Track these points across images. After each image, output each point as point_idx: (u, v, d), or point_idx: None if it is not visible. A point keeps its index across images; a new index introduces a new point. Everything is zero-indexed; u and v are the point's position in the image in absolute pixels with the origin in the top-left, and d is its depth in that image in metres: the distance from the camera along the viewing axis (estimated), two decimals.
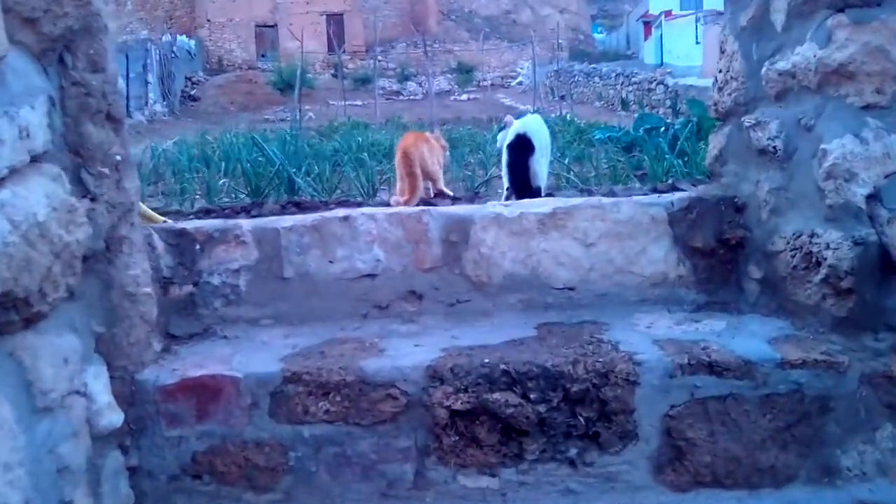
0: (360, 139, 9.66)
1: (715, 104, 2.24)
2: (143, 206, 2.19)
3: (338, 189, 5.44)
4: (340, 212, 2.02)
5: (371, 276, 1.95)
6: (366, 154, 8.23)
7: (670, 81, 17.31)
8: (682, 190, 4.77)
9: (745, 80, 2.05)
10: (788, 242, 1.82)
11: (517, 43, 39.66)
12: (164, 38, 30.76)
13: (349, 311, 1.94)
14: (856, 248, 1.62)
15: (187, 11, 41.61)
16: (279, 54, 37.26)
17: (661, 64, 31.79)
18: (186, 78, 33.77)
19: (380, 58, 38.13)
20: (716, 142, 2.24)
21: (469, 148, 10.22)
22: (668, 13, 34.11)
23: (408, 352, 1.68)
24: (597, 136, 6.91)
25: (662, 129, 6.65)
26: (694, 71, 23.51)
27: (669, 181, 5.18)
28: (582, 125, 13.04)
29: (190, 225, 1.96)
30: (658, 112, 17.26)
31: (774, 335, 1.75)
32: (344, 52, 38.82)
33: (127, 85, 22.80)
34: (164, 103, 26.55)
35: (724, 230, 2.04)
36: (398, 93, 34.94)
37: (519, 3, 49.28)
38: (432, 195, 4.68)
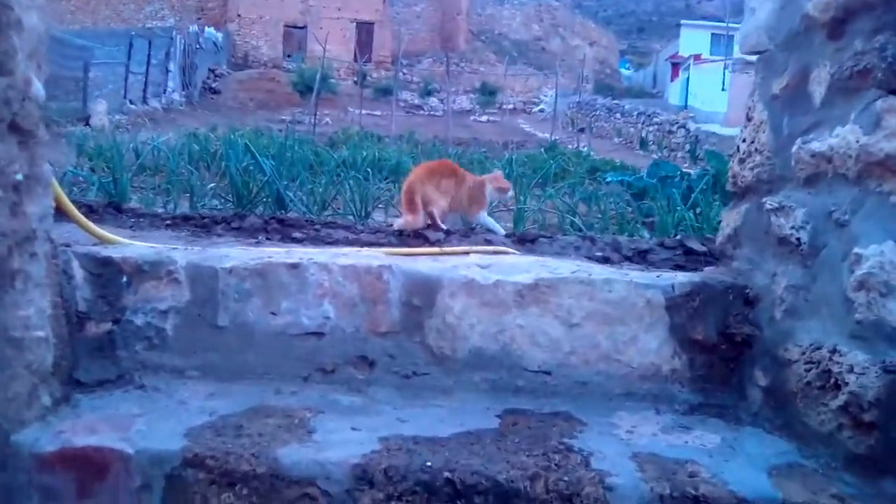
0: (367, 153, 9.41)
1: (734, 177, 1.98)
2: (92, 226, 1.93)
3: (331, 207, 5.19)
4: (293, 256, 1.76)
5: (318, 334, 1.69)
6: (370, 170, 7.99)
7: (692, 126, 17.08)
8: (690, 248, 4.52)
9: (771, 155, 1.79)
10: (804, 353, 1.55)
11: (543, 71, 39.55)
12: (191, 28, 30.73)
13: (288, 372, 1.68)
14: (885, 376, 1.36)
15: (219, 4, 41.71)
16: (305, 56, 37.25)
17: (686, 106, 31.60)
18: (210, 70, 33.77)
19: (405, 70, 38.13)
20: (730, 219, 1.98)
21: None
22: (697, 57, 33.96)
23: (341, 437, 1.42)
24: (608, 179, 6.66)
25: (677, 177, 6.39)
26: (717, 118, 23.31)
27: (678, 236, 4.93)
28: (596, 161, 12.82)
29: (117, 253, 1.70)
30: (676, 156, 17.03)
31: (776, 462, 1.48)
32: (369, 60, 38.83)
33: (147, 72, 22.75)
34: (183, 93, 26.45)
35: (729, 324, 1.77)
36: (419, 107, 34.88)
37: (550, 31, 49.31)
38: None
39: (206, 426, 1.43)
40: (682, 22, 41.95)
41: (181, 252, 1.75)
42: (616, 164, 12.25)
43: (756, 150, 1.86)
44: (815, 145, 1.60)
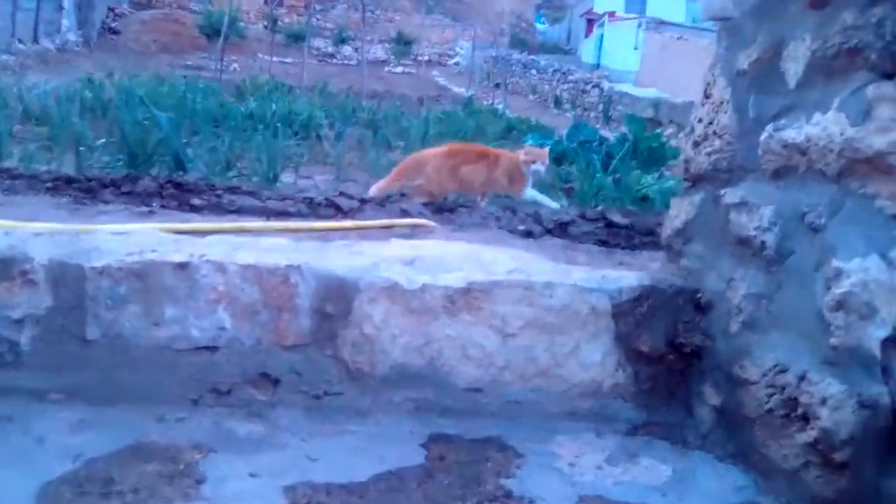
0: (277, 106, 8.92)
1: (686, 161, 1.79)
2: None
3: (236, 167, 4.82)
4: (182, 251, 1.47)
5: (211, 348, 1.42)
6: (279, 125, 7.55)
7: (606, 86, 17.06)
8: (611, 221, 4.38)
9: (733, 140, 1.60)
10: (765, 375, 1.38)
11: (460, 22, 38.98)
12: None
13: (174, 394, 1.41)
14: (862, 411, 1.19)
15: None
16: None
17: (599, 64, 31.73)
18: (109, 8, 31.84)
19: (318, 17, 36.91)
20: (680, 209, 1.79)
21: (394, 130, 9.66)
22: (612, 14, 34.03)
23: (236, 489, 1.17)
24: (529, 142, 6.47)
25: (596, 142, 6.26)
26: (630, 77, 23.45)
27: (599, 207, 4.78)
28: (512, 119, 12.63)
29: None
30: (590, 116, 17.03)
31: (733, 501, 1.31)
32: (281, 4, 37.40)
33: (38, 9, 21.20)
34: (80, 33, 24.85)
35: (678, 332, 1.59)
36: (332, 55, 33.92)
37: None
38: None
39: (67, 479, 1.15)
40: None
41: (41, 243, 1.44)
42: (532, 124, 12.08)
43: (715, 133, 1.66)
44: (790, 134, 1.41)
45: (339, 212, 3.90)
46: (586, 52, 38.15)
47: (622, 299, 1.56)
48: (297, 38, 30.22)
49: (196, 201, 3.75)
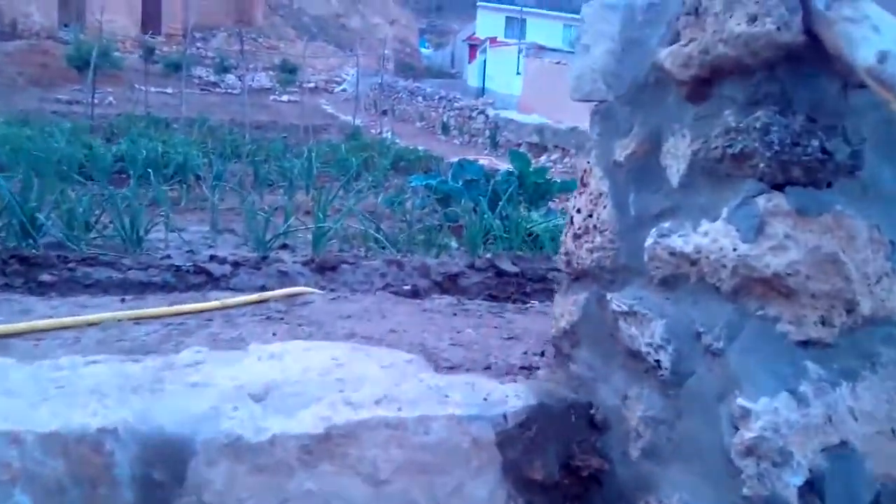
0: (150, 146, 8.44)
1: (566, 254, 1.63)
2: None
3: (97, 228, 4.43)
4: None
5: None
6: (151, 170, 7.12)
7: (491, 112, 17.22)
8: (501, 271, 4.25)
9: (615, 237, 1.45)
10: None
11: (344, 50, 38.81)
12: None
13: None
14: None
15: None
16: (84, 26, 34.04)
17: (484, 87, 32.21)
18: None
19: (198, 45, 35.94)
20: (564, 309, 1.63)
21: (278, 168, 9.32)
22: (493, 39, 34.67)
23: None
24: (413, 183, 6.31)
25: (482, 180, 6.16)
26: (513, 100, 23.85)
27: (488, 254, 4.65)
28: (400, 149, 12.50)
29: None
30: (477, 142, 17.13)
31: None
32: (158, 32, 36.26)
33: None
34: None
35: (573, 453, 1.42)
36: (215, 84, 33.08)
37: (350, 7, 48.52)
38: None
39: None
40: (479, 3, 42.65)
41: None
42: (420, 154, 11.99)
43: (595, 227, 1.51)
44: (676, 242, 1.26)
45: (210, 278, 3.60)
46: (471, 76, 38.77)
47: (508, 426, 1.38)
48: (176, 68, 29.32)
49: (46, 277, 3.37)
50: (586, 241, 1.53)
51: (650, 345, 1.31)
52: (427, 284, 4.05)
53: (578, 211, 1.58)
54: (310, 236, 4.93)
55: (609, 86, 1.47)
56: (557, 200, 7.20)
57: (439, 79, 36.16)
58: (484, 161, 13.47)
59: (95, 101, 17.35)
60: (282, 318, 2.58)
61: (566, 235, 1.63)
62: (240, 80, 30.75)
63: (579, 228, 1.57)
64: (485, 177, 6.37)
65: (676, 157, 1.29)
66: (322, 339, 2.16)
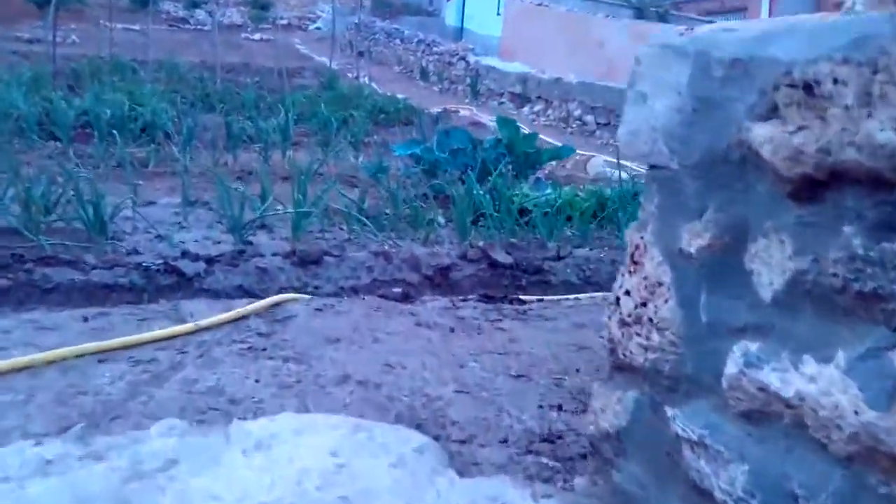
0: (115, 99, 7.97)
1: (611, 342, 1.38)
2: None
3: (56, 210, 4.08)
4: None
5: None
6: (115, 131, 6.70)
7: (472, 59, 16.71)
8: (495, 262, 3.98)
9: (678, 342, 1.20)
10: None
11: None
12: None
13: None
14: None
15: None
16: None
17: (462, 27, 31.38)
18: None
19: None
20: (606, 403, 1.38)
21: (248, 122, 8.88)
22: None
23: None
24: (397, 153, 5.99)
25: (469, 149, 5.85)
26: (493, 42, 23.23)
27: (480, 241, 4.38)
28: (379, 100, 12.06)
29: None
30: (457, 89, 16.66)
31: None
32: None
33: None
34: None
35: None
36: (184, 20, 31.96)
37: None
38: None
39: None
40: None
41: None
42: (400, 105, 11.57)
43: (650, 320, 1.26)
44: (770, 379, 1.02)
45: (182, 279, 3.31)
46: (449, 14, 37.81)
47: None
48: (143, 3, 28.22)
49: (0, 282, 3.06)
50: (638, 335, 1.29)
51: (728, 493, 1.07)
52: (417, 279, 3.79)
53: (627, 293, 1.33)
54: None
55: (673, 151, 1.21)
56: (547, 168, 6.93)
57: (417, 16, 35.23)
58: (465, 112, 13.09)
59: (58, 39, 16.55)
60: (264, 350, 2.31)
61: (610, 319, 1.38)
62: (210, 16, 29.72)
63: (628, 316, 1.32)
64: (471, 143, 6.06)
65: (769, 265, 1.04)
66: (313, 395, 1.90)
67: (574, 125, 12.31)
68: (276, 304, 2.85)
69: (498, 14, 27.28)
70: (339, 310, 2.86)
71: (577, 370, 2.39)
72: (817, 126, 0.95)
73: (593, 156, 9.26)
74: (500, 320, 3.13)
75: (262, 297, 3.23)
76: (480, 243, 4.16)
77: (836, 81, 0.91)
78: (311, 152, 7.82)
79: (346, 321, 2.71)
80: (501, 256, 3.98)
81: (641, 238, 1.29)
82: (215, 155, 7.11)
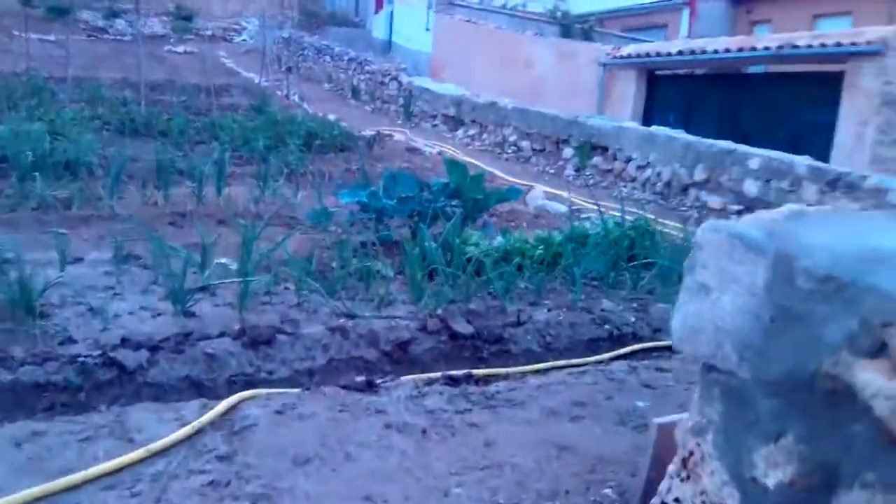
0: (30, 141, 7.45)
1: None
2: None
3: None
4: None
5: None
6: (37, 173, 6.26)
7: (404, 79, 16.52)
8: (455, 333, 3.81)
9: None
10: None
11: None
12: None
13: None
14: None
15: None
16: None
17: (391, 41, 31.20)
18: None
19: None
20: None
21: (176, 142, 8.50)
22: None
23: None
24: (344, 200, 5.76)
25: (416, 195, 5.67)
26: (423, 59, 23.12)
27: (439, 311, 4.18)
28: (313, 125, 11.73)
29: None
30: (390, 109, 16.45)
31: None
32: None
33: None
34: None
35: None
36: (103, 30, 30.88)
37: None
38: None
39: None
40: None
41: None
42: (335, 131, 11.27)
43: None
44: None
45: (123, 373, 3.03)
46: (378, 26, 37.62)
47: None
48: (60, 12, 27.15)
49: None
50: None
51: None
52: (376, 356, 3.58)
53: (677, 502, 1.17)
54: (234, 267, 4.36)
55: (744, 359, 1.06)
56: (492, 212, 6.81)
57: (343, 27, 34.84)
58: (400, 136, 12.91)
59: None
60: (228, 485, 2.07)
61: None
62: (130, 26, 28.76)
63: None
64: (419, 187, 5.89)
65: None
66: None
67: (509, 151, 12.25)
68: (233, 407, 2.61)
69: (427, 30, 27.24)
70: (301, 412, 2.64)
71: (567, 492, 2.24)
72: None
73: (533, 187, 9.21)
74: (470, 410, 2.97)
75: (212, 389, 3.00)
76: (439, 311, 3.98)
77: None
78: (247, 186, 7.52)
79: (312, 429, 2.50)
80: (461, 326, 3.81)
81: (698, 445, 1.14)
82: (145, 194, 6.75)
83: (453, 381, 3.27)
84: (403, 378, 3.28)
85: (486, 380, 3.45)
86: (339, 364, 3.37)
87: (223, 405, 2.58)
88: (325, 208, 5.70)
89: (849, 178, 7.12)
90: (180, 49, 27.55)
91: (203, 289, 4.14)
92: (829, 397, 0.95)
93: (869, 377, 0.89)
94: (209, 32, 32.90)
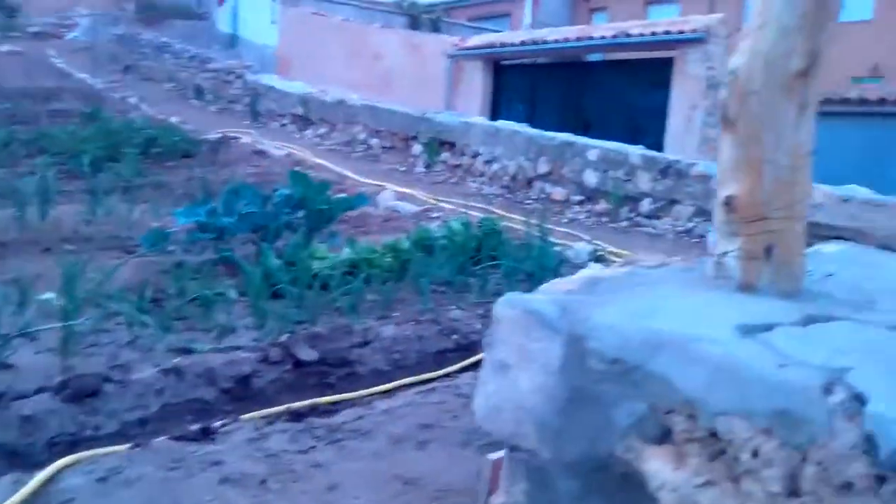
0: None
1: None
2: None
3: None
4: None
5: None
6: None
7: (249, 77, 16.07)
8: (300, 361, 3.73)
9: None
10: None
11: None
12: None
13: None
14: None
15: None
16: None
17: (236, 35, 30.28)
18: None
19: None
20: None
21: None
22: None
23: None
24: (180, 221, 5.51)
25: (259, 211, 5.51)
26: (270, 53, 22.60)
27: (282, 338, 4.06)
28: (152, 131, 11.18)
29: None
30: (235, 109, 15.96)
31: None
32: None
33: None
34: None
35: None
36: None
37: None
38: None
39: None
40: None
41: None
42: (176, 137, 10.79)
43: None
44: None
45: None
46: (221, 20, 36.41)
47: None
48: None
49: None
50: None
51: None
52: (214, 395, 3.45)
53: None
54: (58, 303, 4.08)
55: (544, 441, 1.07)
56: (342, 219, 6.72)
57: (187, 20, 33.45)
58: (247, 139, 12.53)
59: None
60: None
61: None
62: None
63: None
64: (262, 200, 5.72)
65: None
66: None
67: (360, 149, 12.17)
68: (51, 479, 2.43)
69: (273, 22, 26.61)
70: (128, 476, 2.49)
71: None
72: (730, 491, 0.83)
73: (383, 187, 9.18)
74: (314, 448, 2.90)
75: (30, 456, 2.79)
76: (282, 339, 3.88)
77: (755, 454, 0.80)
78: (78, 205, 7.07)
79: (139, 497, 2.36)
80: (305, 353, 3.73)
81: None
82: None
83: (297, 416, 3.19)
84: (245, 416, 3.17)
85: (334, 408, 3.40)
86: (174, 409, 3.21)
87: (37, 479, 2.39)
88: (160, 229, 5.44)
89: (678, 165, 7.52)
90: (4, 48, 25.60)
91: (23, 334, 3.85)
92: (624, 480, 0.97)
93: (656, 466, 0.90)
94: (37, 29, 30.76)
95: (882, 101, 13.53)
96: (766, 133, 1.25)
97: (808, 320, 1.06)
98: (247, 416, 3.15)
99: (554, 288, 1.24)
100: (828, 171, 12.54)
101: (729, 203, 1.27)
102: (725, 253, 1.26)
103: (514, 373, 1.11)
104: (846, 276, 1.48)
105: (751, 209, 1.24)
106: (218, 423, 3.03)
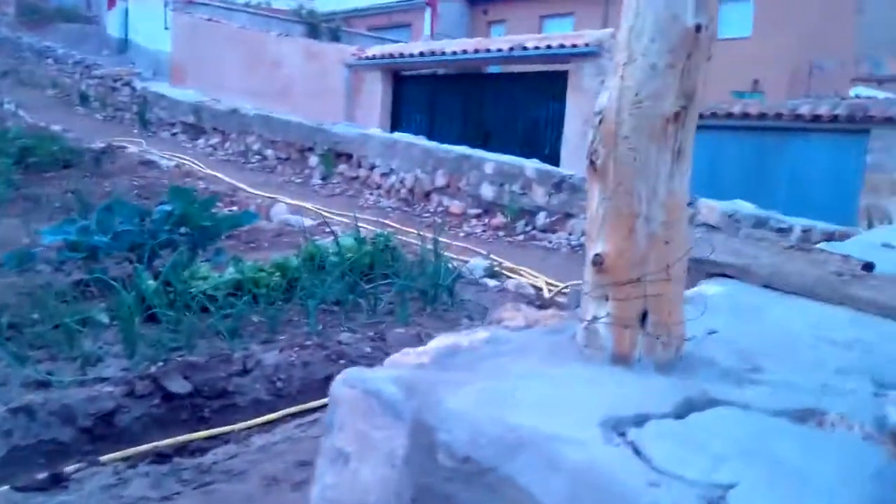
0: None
1: None
2: None
3: None
4: None
5: None
6: None
7: (138, 85, 15.41)
8: (170, 394, 3.49)
9: None
10: None
11: None
12: None
13: None
14: None
15: None
16: None
17: (127, 40, 29.18)
18: None
19: None
20: None
21: None
22: None
23: None
24: (47, 239, 5.11)
25: (137, 227, 5.18)
26: (164, 59, 21.82)
27: (151, 368, 3.79)
28: (29, 140, 10.52)
29: None
30: (125, 117, 15.28)
31: None
32: None
33: None
34: None
35: None
36: None
37: None
38: None
39: None
40: None
41: None
42: (54, 147, 10.17)
43: None
44: None
45: None
46: (112, 24, 35.03)
47: None
48: None
49: None
50: None
51: None
52: (71, 435, 3.16)
53: None
54: None
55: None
56: (231, 234, 6.44)
57: (75, 24, 31.96)
58: (134, 148, 11.98)
59: None
60: None
61: None
62: None
63: None
64: (139, 217, 5.40)
65: None
66: None
67: (254, 160, 11.81)
68: None
69: (167, 28, 25.73)
70: None
71: None
72: None
73: (276, 200, 8.91)
74: (179, 494, 2.68)
75: None
76: (153, 369, 3.61)
77: None
78: None
79: None
80: (177, 385, 3.47)
81: None
82: None
83: (163, 457, 2.95)
84: (104, 458, 2.91)
85: (206, 444, 3.16)
86: (24, 452, 2.92)
87: None
88: (27, 247, 5.04)
89: (572, 179, 7.55)
90: None
91: None
92: None
93: None
94: None
95: (763, 116, 14.10)
96: (638, 184, 1.14)
97: (686, 407, 0.95)
98: (106, 457, 2.89)
99: (404, 361, 1.09)
100: (713, 182, 12.93)
101: (598, 263, 1.15)
102: (596, 319, 1.15)
103: (355, 464, 0.96)
104: (730, 332, 1.40)
105: (623, 270, 1.12)
106: (72, 468, 2.77)
